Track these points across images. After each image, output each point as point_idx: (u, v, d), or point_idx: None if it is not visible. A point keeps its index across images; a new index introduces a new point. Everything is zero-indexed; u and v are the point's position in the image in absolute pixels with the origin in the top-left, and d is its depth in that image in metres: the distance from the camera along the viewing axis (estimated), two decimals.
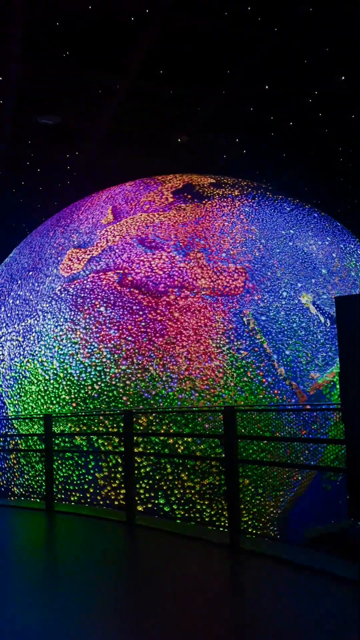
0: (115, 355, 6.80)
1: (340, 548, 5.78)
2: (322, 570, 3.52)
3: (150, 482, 6.17)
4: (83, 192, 10.55)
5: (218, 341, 6.65)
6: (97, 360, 6.87)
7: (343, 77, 10.04)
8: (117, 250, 7.83)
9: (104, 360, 6.83)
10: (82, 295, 7.54)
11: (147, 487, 6.17)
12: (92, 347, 6.99)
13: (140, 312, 7.05)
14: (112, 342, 6.90)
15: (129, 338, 6.89)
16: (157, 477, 6.17)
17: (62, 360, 7.15)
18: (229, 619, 3.05)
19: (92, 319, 7.21)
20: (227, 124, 11.51)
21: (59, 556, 4.54)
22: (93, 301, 7.38)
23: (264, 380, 6.50)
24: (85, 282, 7.69)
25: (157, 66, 9.29)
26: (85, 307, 7.35)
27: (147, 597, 3.38)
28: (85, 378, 6.89)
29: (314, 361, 6.76)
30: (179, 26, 8.26)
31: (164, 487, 6.15)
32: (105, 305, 7.25)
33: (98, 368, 6.84)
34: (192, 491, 6.09)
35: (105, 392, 6.69)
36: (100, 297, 7.39)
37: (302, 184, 13.12)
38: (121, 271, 7.51)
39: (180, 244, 7.60)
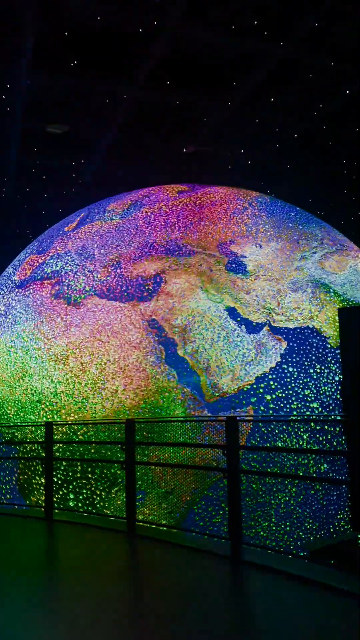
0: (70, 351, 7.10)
1: (341, 560, 5.73)
2: (323, 583, 3.49)
3: (63, 478, 6.72)
4: (89, 199, 10.62)
5: (137, 353, 6.74)
6: (54, 356, 7.16)
7: (347, 91, 10.13)
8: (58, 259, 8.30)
9: (60, 357, 7.12)
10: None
11: (61, 481, 6.68)
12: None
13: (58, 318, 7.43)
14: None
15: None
16: (70, 475, 6.65)
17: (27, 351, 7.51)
18: (229, 631, 3.02)
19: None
20: (233, 135, 11.60)
21: (58, 567, 4.51)
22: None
23: (180, 396, 6.46)
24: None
25: (165, 77, 9.39)
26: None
27: (148, 609, 3.35)
28: (29, 366, 7.35)
29: (227, 367, 6.58)
30: (187, 38, 8.36)
31: (74, 484, 6.60)
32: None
33: (52, 363, 7.15)
34: (98, 491, 6.51)
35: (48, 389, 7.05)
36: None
37: (306, 196, 13.18)
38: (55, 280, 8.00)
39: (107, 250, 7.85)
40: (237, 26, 8.14)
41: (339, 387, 6.65)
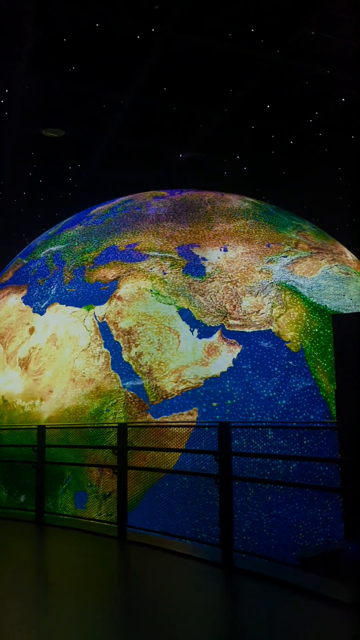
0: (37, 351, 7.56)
1: (333, 569, 5.70)
2: (314, 592, 3.47)
3: (6, 476, 7.25)
4: (83, 204, 10.64)
5: (86, 356, 6.89)
6: (18, 359, 7.65)
7: (343, 99, 10.20)
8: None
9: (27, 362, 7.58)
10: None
11: (4, 481, 7.22)
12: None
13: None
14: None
15: None
16: (16, 473, 7.08)
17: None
18: (222, 638, 2.99)
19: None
20: (228, 142, 11.65)
21: (49, 572, 4.46)
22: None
23: (123, 399, 6.46)
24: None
25: (161, 83, 9.43)
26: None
27: (140, 616, 3.32)
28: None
29: (170, 370, 6.50)
30: (183, 45, 8.41)
31: (20, 480, 7.02)
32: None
33: (16, 365, 7.64)
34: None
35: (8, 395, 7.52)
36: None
37: (301, 202, 13.24)
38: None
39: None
40: (233, 33, 8.19)
41: (313, 392, 6.55)
